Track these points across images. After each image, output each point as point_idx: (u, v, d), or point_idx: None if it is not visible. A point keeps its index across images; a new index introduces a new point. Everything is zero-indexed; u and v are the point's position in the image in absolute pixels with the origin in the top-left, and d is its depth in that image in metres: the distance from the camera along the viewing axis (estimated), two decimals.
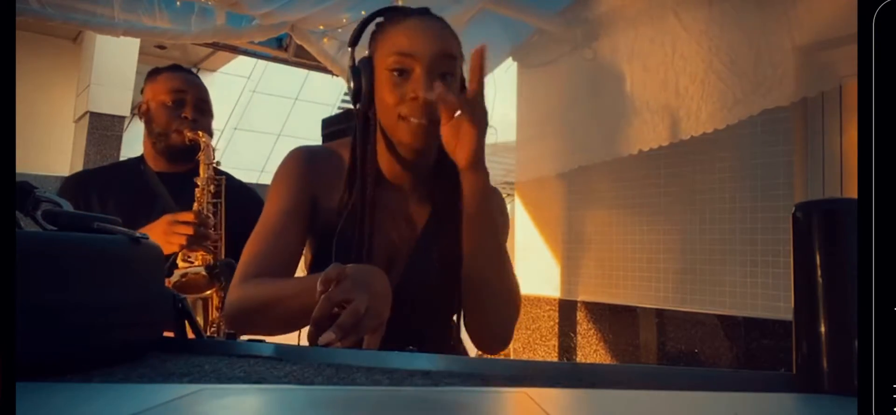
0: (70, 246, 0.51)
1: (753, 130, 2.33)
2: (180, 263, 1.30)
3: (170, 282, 1.26)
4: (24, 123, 5.60)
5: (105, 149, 5.69)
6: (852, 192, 0.38)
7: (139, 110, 1.49)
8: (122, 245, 0.55)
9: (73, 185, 1.47)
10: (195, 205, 1.35)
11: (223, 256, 1.35)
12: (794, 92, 1.82)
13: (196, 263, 1.31)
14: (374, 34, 0.95)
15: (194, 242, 1.28)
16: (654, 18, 2.24)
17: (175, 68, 1.51)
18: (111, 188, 1.43)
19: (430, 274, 0.96)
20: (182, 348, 0.63)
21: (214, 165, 1.39)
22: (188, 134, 1.39)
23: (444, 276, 0.95)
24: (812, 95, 1.84)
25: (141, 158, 1.51)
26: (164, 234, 1.26)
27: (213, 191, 1.37)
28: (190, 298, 1.28)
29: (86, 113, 5.72)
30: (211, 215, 1.34)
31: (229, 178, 1.47)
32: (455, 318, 1.01)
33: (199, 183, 1.36)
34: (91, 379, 0.47)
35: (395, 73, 0.89)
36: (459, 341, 1.03)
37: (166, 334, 0.63)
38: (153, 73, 1.50)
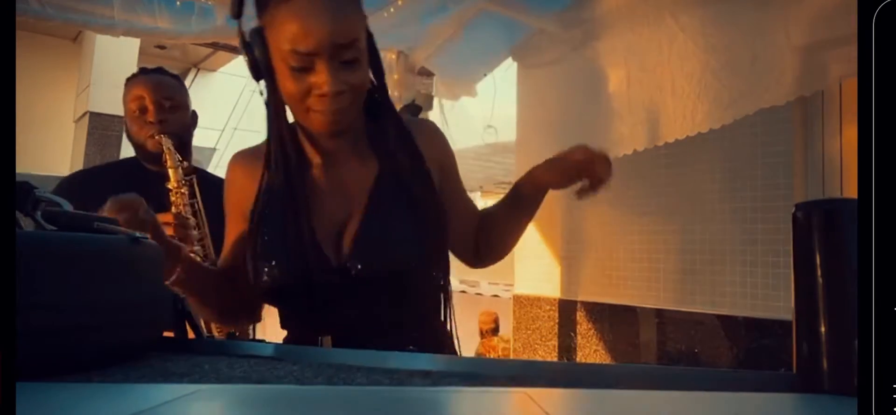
0: (70, 246, 0.51)
1: (753, 130, 2.33)
2: None
3: None
4: (24, 123, 5.60)
5: (105, 149, 5.69)
6: (852, 192, 0.37)
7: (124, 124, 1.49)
8: (122, 245, 0.55)
9: (71, 185, 1.46)
10: (172, 208, 1.32)
11: (213, 254, 1.34)
12: (791, 91, 1.82)
13: None
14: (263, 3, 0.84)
15: None
16: (650, 18, 2.24)
17: (140, 73, 1.47)
18: (111, 187, 1.43)
19: (387, 243, 0.86)
20: (182, 348, 0.63)
21: (182, 166, 1.36)
22: (158, 139, 1.36)
23: (409, 243, 0.86)
24: (809, 95, 1.84)
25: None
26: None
27: (186, 192, 1.35)
28: None
29: (86, 113, 5.72)
30: (190, 216, 1.33)
31: (202, 173, 1.45)
32: (439, 301, 0.95)
33: (170, 187, 1.33)
34: (91, 379, 0.47)
35: (295, 69, 0.81)
36: (442, 330, 0.96)
37: (166, 334, 0.63)
38: (126, 82, 1.48)
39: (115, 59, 5.80)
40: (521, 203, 1.02)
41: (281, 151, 0.89)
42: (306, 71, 0.81)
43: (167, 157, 1.34)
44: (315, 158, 0.92)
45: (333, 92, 0.80)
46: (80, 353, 0.49)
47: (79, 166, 5.60)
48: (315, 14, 0.79)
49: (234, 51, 3.65)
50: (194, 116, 1.51)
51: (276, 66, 0.83)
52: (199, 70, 7.44)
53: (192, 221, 1.32)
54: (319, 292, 0.86)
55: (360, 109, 0.88)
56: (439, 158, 0.97)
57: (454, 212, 0.97)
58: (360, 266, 0.84)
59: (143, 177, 1.44)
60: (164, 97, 1.43)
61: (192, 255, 0.98)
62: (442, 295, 0.95)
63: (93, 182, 1.47)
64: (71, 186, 1.47)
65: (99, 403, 0.40)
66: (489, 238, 1.04)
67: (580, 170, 0.99)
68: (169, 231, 1.22)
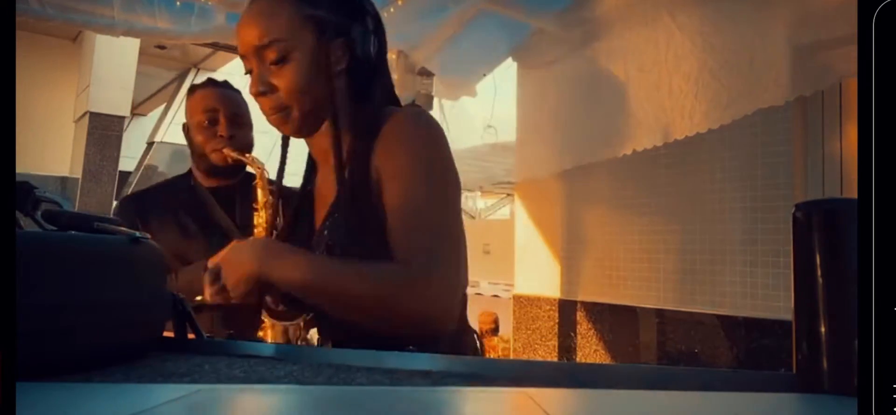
0: (70, 246, 0.51)
1: (753, 130, 2.33)
2: None
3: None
4: (24, 123, 5.60)
5: (105, 149, 5.69)
6: (852, 192, 0.37)
7: (183, 129, 1.50)
8: (122, 245, 0.55)
9: (128, 207, 1.50)
10: (256, 231, 1.31)
11: None
12: (789, 91, 1.82)
13: None
14: None
15: None
16: (648, 18, 2.24)
17: (209, 84, 1.48)
18: (167, 208, 1.44)
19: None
20: (182, 348, 0.63)
21: (270, 189, 1.32)
22: (232, 154, 1.37)
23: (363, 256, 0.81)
24: (807, 95, 1.84)
25: (190, 174, 1.51)
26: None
27: (271, 214, 1.34)
28: (276, 328, 1.22)
29: (86, 113, 5.72)
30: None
31: (286, 191, 1.45)
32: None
33: (257, 207, 1.32)
34: (91, 379, 0.47)
35: (248, 74, 0.87)
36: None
37: (166, 334, 0.63)
38: (190, 91, 1.49)
39: (115, 59, 5.81)
40: None
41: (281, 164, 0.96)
42: (250, 74, 0.86)
43: (259, 180, 1.32)
44: (318, 166, 0.95)
45: (255, 92, 0.85)
46: (80, 353, 0.49)
47: (79, 166, 5.61)
48: (243, 19, 0.86)
49: (233, 51, 3.66)
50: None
51: None
52: (199, 70, 7.44)
53: None
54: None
55: (325, 108, 0.86)
56: (380, 154, 0.83)
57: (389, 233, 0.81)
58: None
59: (195, 195, 1.46)
60: (235, 113, 1.44)
61: None
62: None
63: (152, 202, 1.49)
64: (132, 204, 1.50)
65: (99, 403, 0.40)
66: None
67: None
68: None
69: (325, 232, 0.87)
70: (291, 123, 0.86)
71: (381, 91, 0.91)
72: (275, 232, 1.31)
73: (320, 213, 0.92)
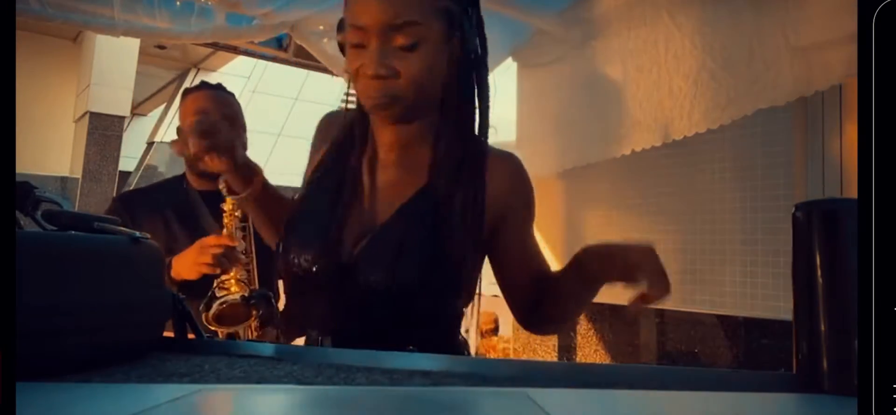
0: (70, 246, 0.51)
1: (753, 130, 2.33)
2: (218, 294, 1.28)
3: (209, 314, 1.24)
4: (24, 123, 5.60)
5: (105, 149, 5.69)
6: (852, 192, 0.37)
7: (177, 133, 1.49)
8: (122, 245, 0.55)
9: (120, 205, 1.52)
10: (224, 230, 1.33)
11: (256, 282, 1.34)
12: (789, 92, 1.82)
13: (233, 293, 1.29)
14: None
15: (222, 265, 1.27)
16: (648, 18, 2.24)
17: (202, 87, 1.49)
18: (157, 208, 1.47)
19: (390, 262, 0.80)
20: (182, 348, 0.63)
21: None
22: None
23: (430, 267, 0.80)
24: (807, 95, 1.84)
25: (183, 177, 1.52)
26: (196, 256, 1.26)
27: (239, 216, 1.33)
28: (228, 330, 1.26)
29: (86, 113, 5.72)
30: (240, 240, 1.33)
31: None
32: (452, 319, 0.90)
33: (224, 209, 1.33)
34: (91, 379, 0.47)
35: (353, 45, 0.80)
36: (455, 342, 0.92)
37: (166, 334, 0.63)
38: (183, 95, 1.50)
39: (115, 59, 5.81)
40: (582, 280, 0.85)
41: (346, 132, 0.89)
42: (361, 48, 0.79)
43: (224, 182, 1.34)
44: (375, 150, 0.89)
45: (373, 74, 0.78)
46: (80, 353, 0.49)
47: (79, 166, 5.61)
48: None
49: (234, 51, 3.66)
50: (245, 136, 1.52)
51: (347, 44, 0.82)
52: (199, 70, 7.45)
53: (241, 245, 1.32)
54: (322, 289, 0.84)
55: (428, 106, 0.83)
56: (505, 197, 0.87)
57: (506, 262, 0.91)
58: (359, 276, 0.80)
59: (186, 198, 1.49)
60: (226, 116, 1.43)
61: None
62: (456, 321, 0.91)
63: (145, 201, 1.51)
64: (124, 203, 1.52)
65: (99, 403, 0.40)
66: (547, 307, 0.91)
67: (634, 276, 0.79)
68: (217, 250, 1.26)
69: (396, 232, 0.81)
70: (395, 111, 0.81)
71: (485, 94, 0.87)
72: (243, 236, 1.32)
73: (380, 207, 0.85)
